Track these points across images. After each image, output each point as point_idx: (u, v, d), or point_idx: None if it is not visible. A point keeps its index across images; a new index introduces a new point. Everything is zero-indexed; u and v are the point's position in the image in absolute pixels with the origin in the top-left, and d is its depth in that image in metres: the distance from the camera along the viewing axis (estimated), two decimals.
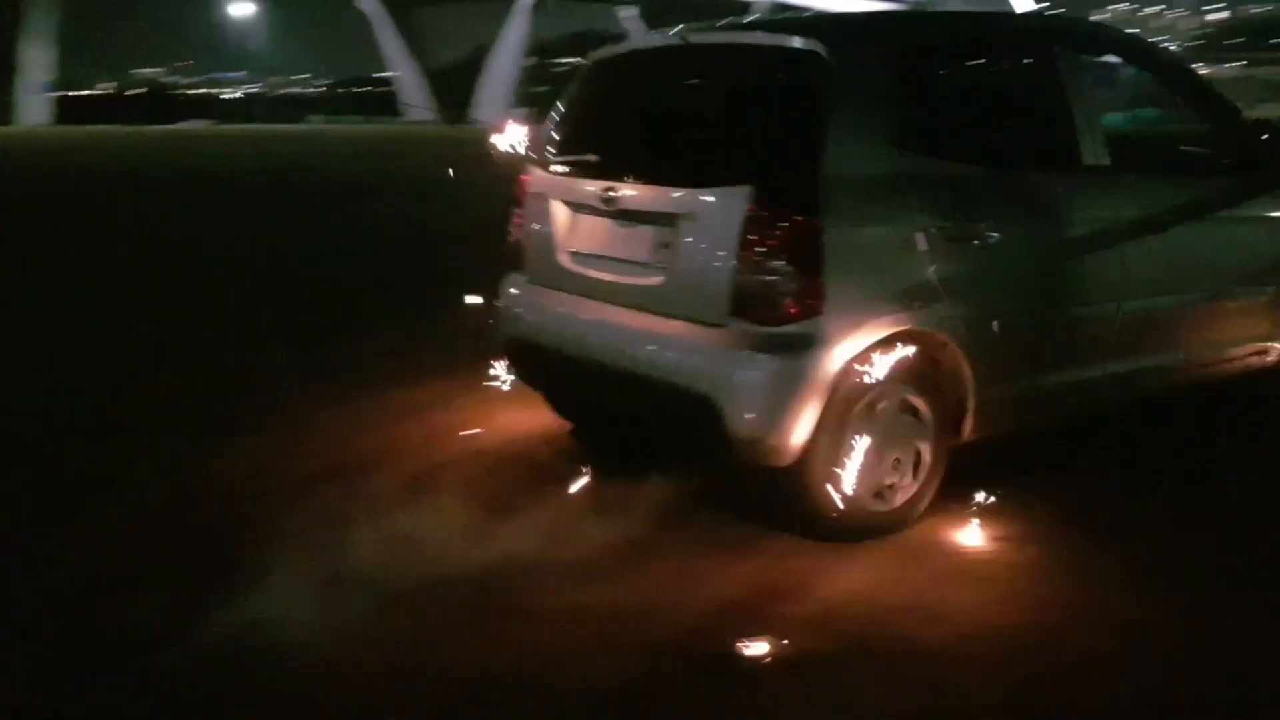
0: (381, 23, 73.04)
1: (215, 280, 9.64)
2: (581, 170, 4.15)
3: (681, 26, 5.08)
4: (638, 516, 3.91)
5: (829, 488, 3.63)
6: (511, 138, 4.39)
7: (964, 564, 3.70)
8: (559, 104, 4.50)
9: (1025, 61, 4.32)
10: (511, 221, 4.49)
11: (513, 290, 4.52)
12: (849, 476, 3.66)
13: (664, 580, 3.51)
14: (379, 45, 74.74)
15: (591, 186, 4.02)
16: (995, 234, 3.82)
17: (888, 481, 3.78)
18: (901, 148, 3.68)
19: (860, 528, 3.72)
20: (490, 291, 4.73)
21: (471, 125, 62.04)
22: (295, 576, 3.45)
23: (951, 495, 3.96)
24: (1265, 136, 4.67)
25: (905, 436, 3.79)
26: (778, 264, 3.45)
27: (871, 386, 3.63)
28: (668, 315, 3.75)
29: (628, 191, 3.88)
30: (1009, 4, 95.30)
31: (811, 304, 3.46)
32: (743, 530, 3.86)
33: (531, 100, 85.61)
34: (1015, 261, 3.91)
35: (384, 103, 73.96)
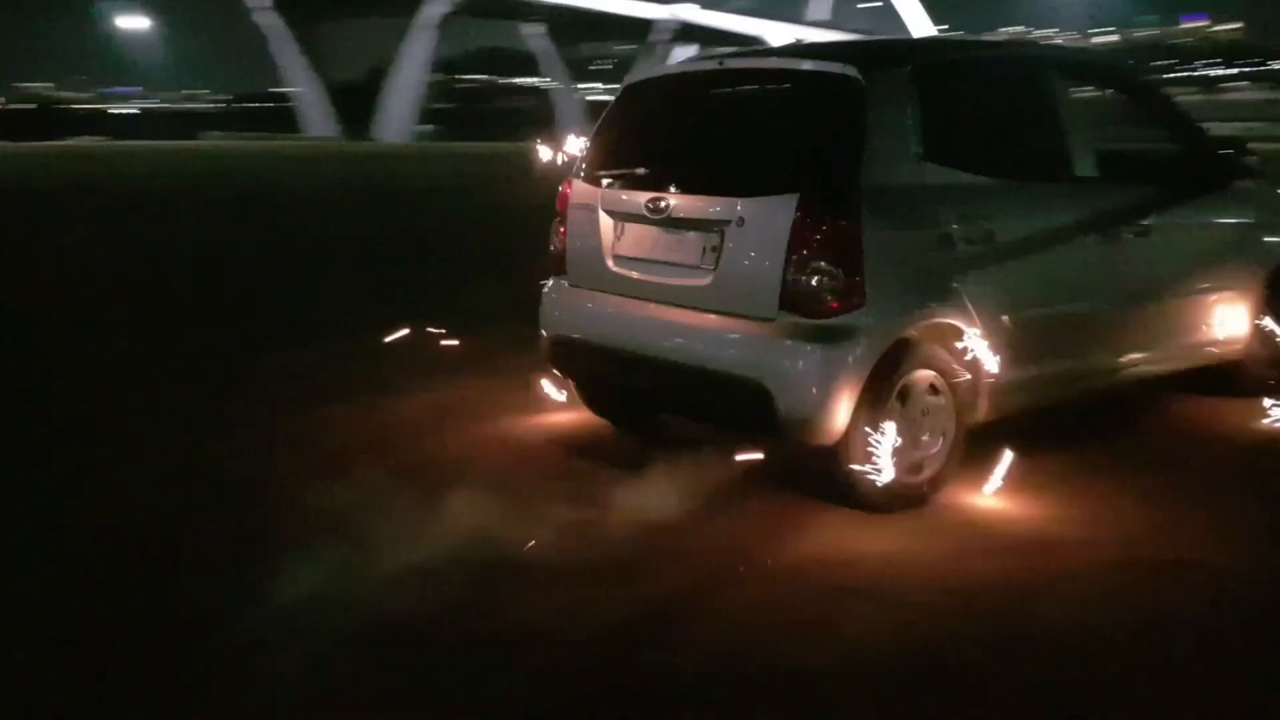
0: (280, 38, 71.61)
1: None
2: (627, 182, 4.47)
3: (720, 51, 5.25)
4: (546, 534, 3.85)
5: (867, 463, 3.95)
6: (554, 152, 4.81)
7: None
8: (597, 123, 4.86)
9: (1026, 84, 4.73)
10: (553, 230, 4.82)
11: (555, 293, 4.84)
12: (884, 453, 3.95)
13: (566, 602, 3.42)
14: (278, 60, 73.30)
15: (638, 197, 4.35)
16: (1004, 237, 4.23)
17: (917, 457, 4.10)
18: (925, 160, 4.07)
19: (892, 500, 4.02)
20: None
21: (374, 141, 61.20)
22: None
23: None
24: (1227, 152, 5.19)
25: (931, 417, 4.12)
26: (823, 264, 3.81)
27: (904, 372, 3.99)
28: (717, 312, 4.08)
29: (675, 201, 4.22)
30: (905, 28, 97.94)
31: (854, 299, 3.83)
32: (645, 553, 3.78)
33: (436, 117, 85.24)
34: (1021, 262, 4.31)
35: (283, 118, 72.52)
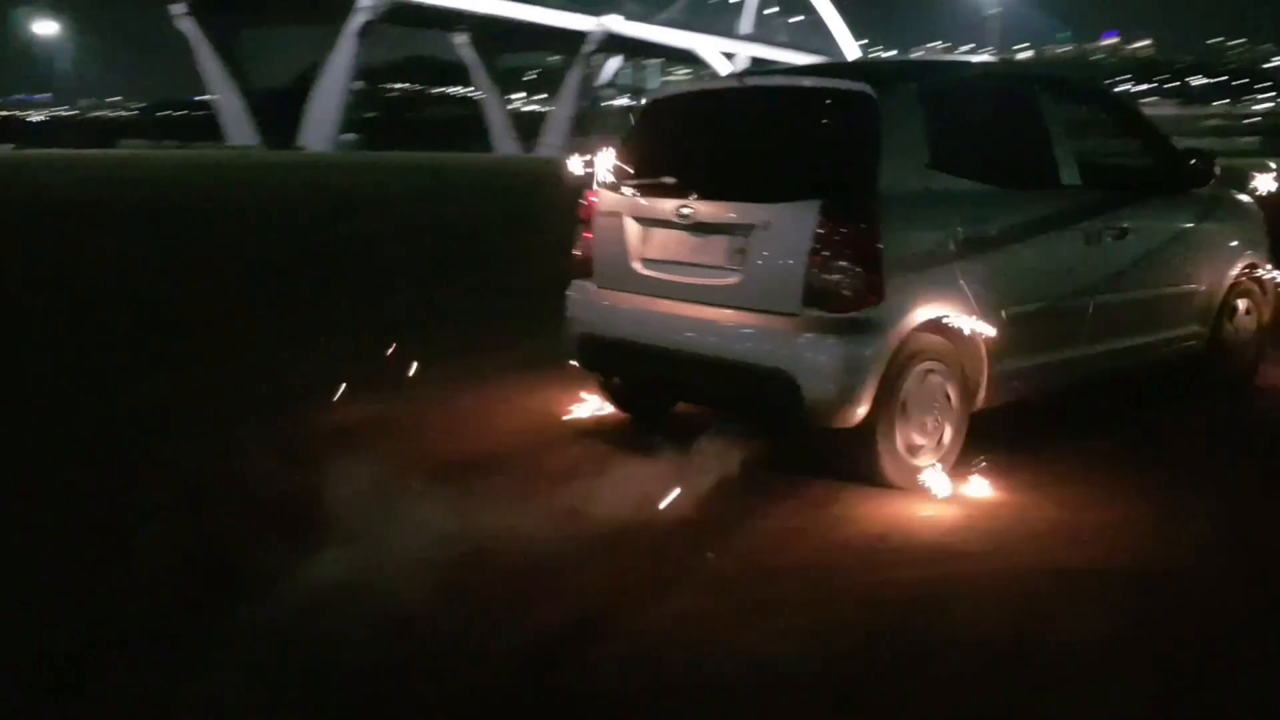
0: (201, 44, 70.26)
1: None
2: (653, 191, 4.75)
3: (738, 70, 5.76)
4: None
5: (882, 446, 4.27)
6: (581, 164, 5.14)
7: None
8: (621, 137, 5.17)
9: (1018, 100, 5.13)
10: (578, 236, 5.10)
11: (582, 294, 5.11)
12: (897, 436, 4.30)
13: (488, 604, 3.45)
14: (200, 67, 71.87)
15: (665, 204, 4.66)
16: (1002, 239, 4.61)
17: (924, 441, 4.42)
18: (932, 169, 4.43)
19: (905, 480, 4.32)
20: None
21: (298, 150, 60.27)
22: None
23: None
24: (1194, 161, 5.63)
25: (938, 404, 4.45)
26: (844, 263, 4.15)
27: (916, 362, 4.32)
28: (743, 309, 4.39)
29: (703, 208, 4.53)
30: (835, 42, 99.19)
31: (872, 295, 4.16)
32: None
33: (362, 126, 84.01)
34: (1015, 262, 4.69)
35: (206, 126, 71.20)
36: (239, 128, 69.32)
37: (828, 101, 4.62)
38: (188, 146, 58.22)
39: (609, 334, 4.95)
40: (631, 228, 4.86)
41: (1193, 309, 5.60)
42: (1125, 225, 5.12)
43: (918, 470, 4.35)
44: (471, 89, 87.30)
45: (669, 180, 4.70)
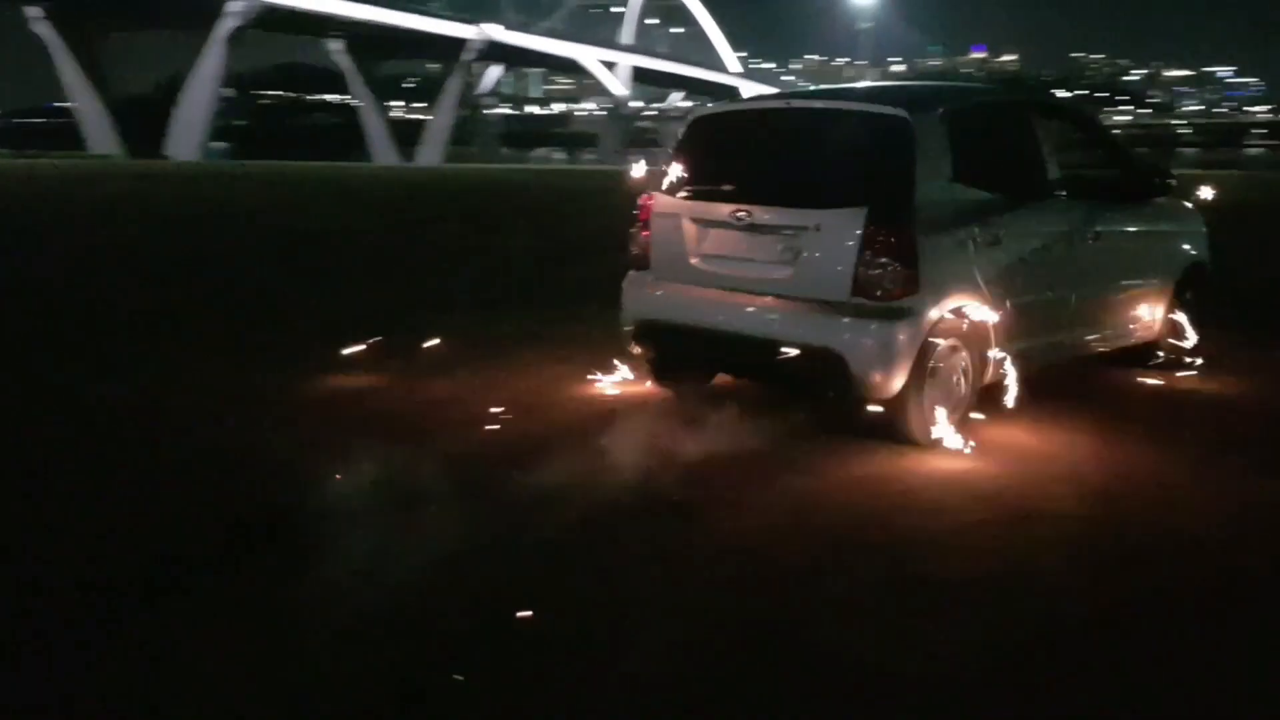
0: (59, 50, 66.91)
1: None
2: (709, 195, 5.49)
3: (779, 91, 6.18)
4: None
5: (913, 412, 5.05)
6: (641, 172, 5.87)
7: None
8: (672, 149, 5.94)
9: (1018, 122, 5.96)
10: (635, 234, 5.84)
11: (639, 285, 5.82)
12: (925, 405, 5.08)
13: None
14: (60, 74, 68.43)
15: (721, 208, 5.39)
16: (1008, 241, 5.39)
17: (945, 408, 5.17)
18: (954, 181, 5.19)
19: (929, 441, 5.10)
20: None
21: (165, 160, 57.89)
22: None
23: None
24: (1156, 177, 6.52)
25: (956, 379, 5.26)
26: (886, 260, 4.89)
27: (940, 343, 5.09)
28: (795, 298, 5.14)
29: (759, 211, 5.25)
30: (720, 59, 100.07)
31: (910, 287, 4.90)
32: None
33: (232, 134, 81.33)
34: (1018, 260, 5.47)
35: (66, 135, 67.84)
36: (101, 136, 66.14)
37: (869, 123, 5.34)
38: (45, 155, 55.18)
39: (666, 318, 5.65)
40: (689, 227, 5.56)
41: (1151, 300, 6.49)
42: (1100, 230, 5.98)
43: (939, 432, 5.11)
44: (349, 96, 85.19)
45: (725, 187, 5.39)
